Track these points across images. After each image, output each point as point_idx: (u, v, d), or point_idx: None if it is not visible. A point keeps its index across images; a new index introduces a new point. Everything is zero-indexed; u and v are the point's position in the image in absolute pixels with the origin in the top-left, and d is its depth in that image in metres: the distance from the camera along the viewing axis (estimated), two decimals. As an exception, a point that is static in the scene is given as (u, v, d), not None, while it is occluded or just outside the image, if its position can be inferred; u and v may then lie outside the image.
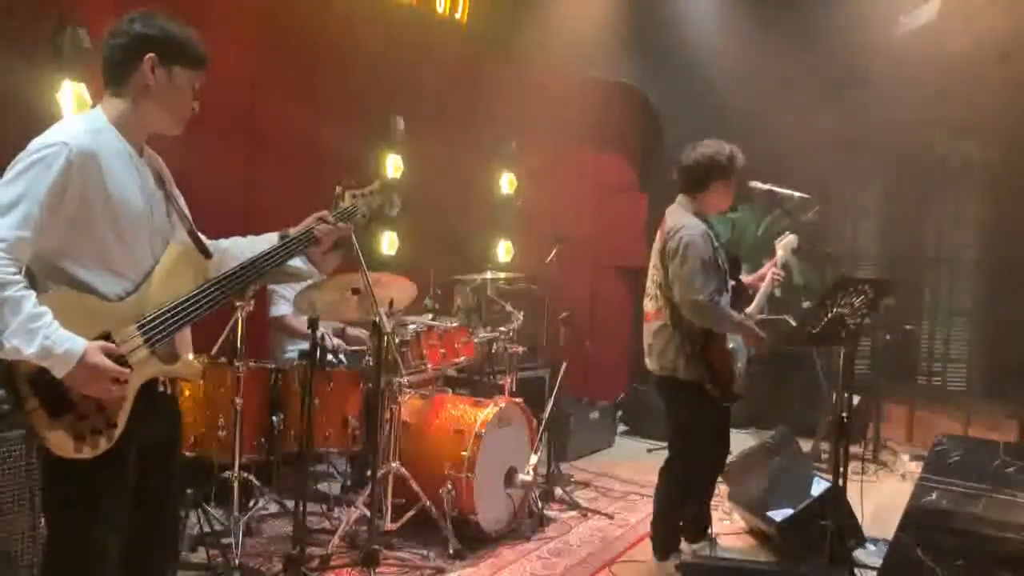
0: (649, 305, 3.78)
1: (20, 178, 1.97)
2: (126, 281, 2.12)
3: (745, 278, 3.96)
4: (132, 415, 2.07)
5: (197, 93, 2.23)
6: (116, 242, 2.09)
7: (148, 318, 2.10)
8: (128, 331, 2.07)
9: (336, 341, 4.73)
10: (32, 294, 1.93)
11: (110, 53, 2.17)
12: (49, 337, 1.90)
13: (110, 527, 2.08)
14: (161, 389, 2.20)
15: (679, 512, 3.83)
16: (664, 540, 3.84)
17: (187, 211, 2.38)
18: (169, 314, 2.13)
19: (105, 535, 2.07)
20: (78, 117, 2.19)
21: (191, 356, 2.30)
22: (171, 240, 2.26)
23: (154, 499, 2.22)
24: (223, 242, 2.48)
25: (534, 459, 4.36)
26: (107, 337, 2.02)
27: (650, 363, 3.77)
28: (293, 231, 2.49)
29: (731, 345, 3.67)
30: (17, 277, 1.92)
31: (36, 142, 2.03)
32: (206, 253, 2.33)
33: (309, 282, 3.72)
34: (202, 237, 2.39)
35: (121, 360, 2.02)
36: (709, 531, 4.03)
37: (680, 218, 3.68)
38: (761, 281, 3.90)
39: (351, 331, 4.91)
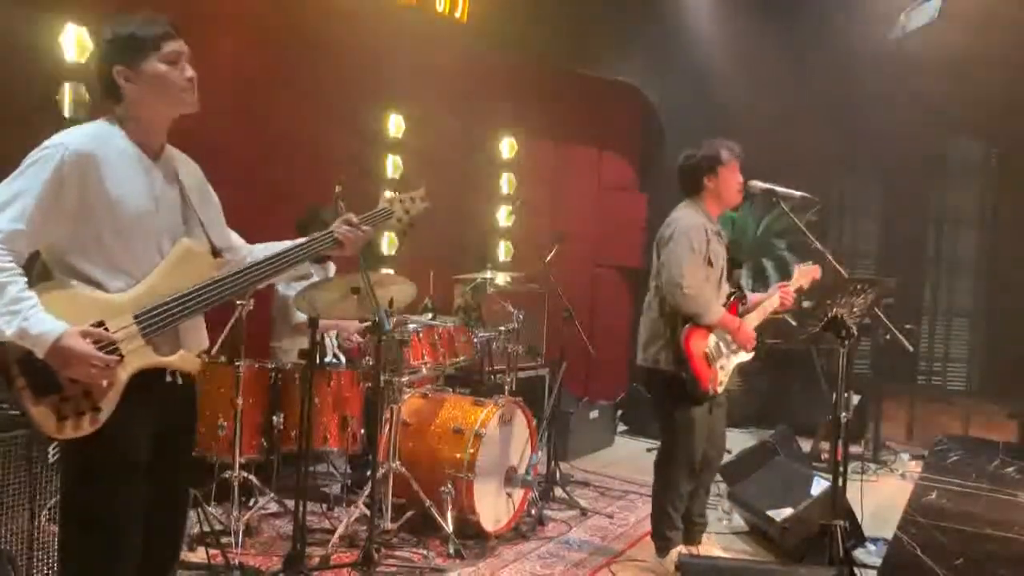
0: (647, 297, 3.88)
1: (19, 177, 2.09)
2: (128, 276, 2.17)
3: (755, 296, 4.01)
4: (136, 401, 2.13)
5: (184, 60, 2.21)
6: (116, 239, 2.15)
7: (145, 309, 2.15)
8: (123, 320, 2.12)
9: (357, 339, 4.72)
10: (21, 280, 2.02)
11: (96, 82, 2.27)
12: (28, 319, 1.98)
13: (121, 511, 2.15)
14: (169, 379, 2.24)
15: (676, 509, 3.84)
16: (662, 538, 3.85)
17: (210, 211, 2.41)
18: (166, 307, 2.17)
19: (117, 519, 2.14)
20: (91, 122, 2.25)
21: (194, 351, 2.31)
22: (181, 238, 2.29)
23: (165, 480, 2.28)
24: (248, 248, 2.50)
25: (534, 459, 4.36)
26: (101, 325, 2.08)
27: (639, 355, 3.86)
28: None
29: (712, 342, 3.70)
30: (10, 265, 2.02)
31: (39, 146, 2.13)
32: (215, 252, 2.35)
33: (309, 281, 3.72)
34: (220, 237, 2.41)
35: (112, 347, 2.08)
36: (705, 533, 4.03)
37: (679, 211, 3.82)
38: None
39: None
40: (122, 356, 2.10)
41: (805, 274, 3.97)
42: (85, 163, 2.10)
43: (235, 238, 2.53)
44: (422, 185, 2.70)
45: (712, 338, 3.73)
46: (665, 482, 3.84)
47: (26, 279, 2.05)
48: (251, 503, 4.15)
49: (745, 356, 3.90)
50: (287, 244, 2.45)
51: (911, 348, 4.42)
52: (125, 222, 2.15)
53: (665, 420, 3.85)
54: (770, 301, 3.91)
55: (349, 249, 2.47)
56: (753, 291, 4.43)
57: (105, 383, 2.06)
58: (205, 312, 2.27)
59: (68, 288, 2.11)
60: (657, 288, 3.81)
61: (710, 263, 3.73)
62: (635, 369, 7.45)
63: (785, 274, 6.71)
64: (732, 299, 3.87)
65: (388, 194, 2.65)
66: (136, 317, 2.13)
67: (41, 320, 1.99)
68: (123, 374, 2.11)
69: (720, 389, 3.78)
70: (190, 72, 2.22)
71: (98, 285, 2.13)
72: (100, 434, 2.09)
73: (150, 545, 2.26)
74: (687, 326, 3.66)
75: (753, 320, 3.85)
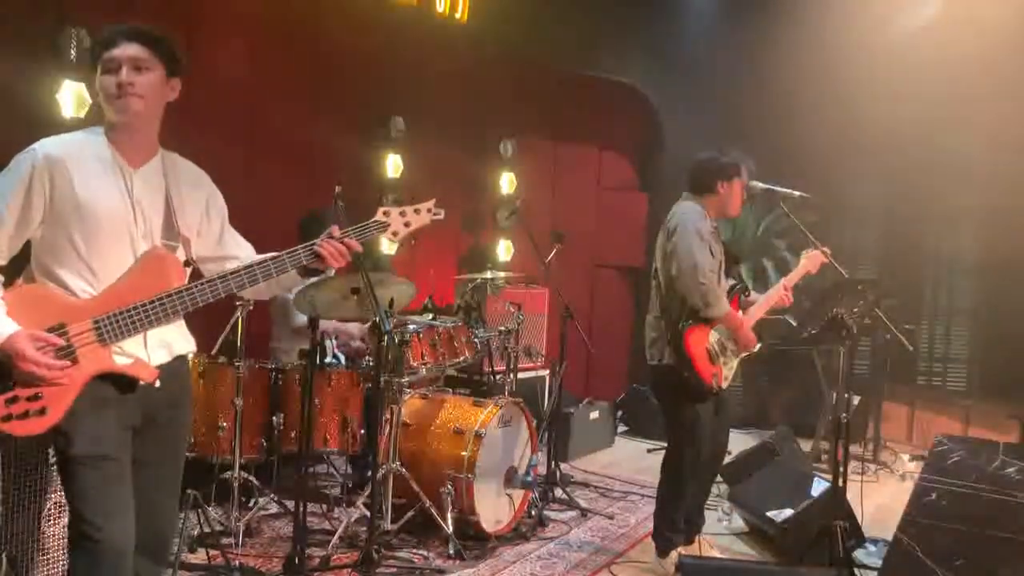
0: (651, 296, 3.88)
1: None
2: (97, 280, 2.22)
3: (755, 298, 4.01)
4: (99, 401, 2.18)
5: (125, 66, 2.19)
6: (85, 241, 2.20)
7: (105, 315, 2.18)
8: (83, 325, 2.16)
9: (357, 344, 4.73)
10: None
11: None
12: None
13: (94, 506, 2.19)
14: (142, 383, 2.25)
15: (678, 509, 3.84)
16: (664, 538, 3.85)
17: (204, 220, 2.42)
18: (126, 314, 2.19)
19: (91, 514, 2.18)
20: (79, 130, 2.31)
21: (162, 358, 2.31)
22: (155, 244, 2.31)
23: (148, 481, 2.32)
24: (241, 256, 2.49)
25: (534, 459, 4.36)
26: (62, 327, 2.13)
27: (647, 355, 3.85)
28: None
29: (714, 339, 3.70)
30: None
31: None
32: (189, 262, 2.36)
33: (309, 281, 3.71)
34: (211, 247, 2.43)
35: (68, 351, 2.12)
36: (701, 535, 4.03)
37: (681, 204, 3.81)
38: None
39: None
40: (76, 360, 2.13)
41: (813, 259, 3.96)
42: (54, 166, 2.17)
43: (241, 248, 2.51)
44: (431, 193, 2.58)
45: (713, 334, 3.72)
46: (671, 483, 3.84)
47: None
48: (251, 504, 4.15)
49: (751, 347, 3.88)
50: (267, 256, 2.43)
51: (911, 348, 4.42)
52: (93, 224, 2.20)
53: (671, 418, 3.85)
54: (773, 291, 3.92)
55: (332, 263, 2.36)
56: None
57: (54, 385, 2.10)
58: (171, 320, 2.26)
59: (38, 290, 2.20)
60: (657, 286, 3.81)
61: (715, 257, 3.73)
62: (635, 369, 7.51)
63: (785, 274, 6.70)
64: (734, 292, 3.86)
65: (391, 208, 2.58)
66: (95, 322, 2.16)
67: None
68: (78, 377, 2.15)
69: (725, 384, 3.78)
70: (121, 77, 2.18)
71: (68, 288, 2.19)
72: (61, 431, 2.16)
73: (146, 546, 2.30)
74: (687, 325, 3.66)
75: (756, 312, 3.86)
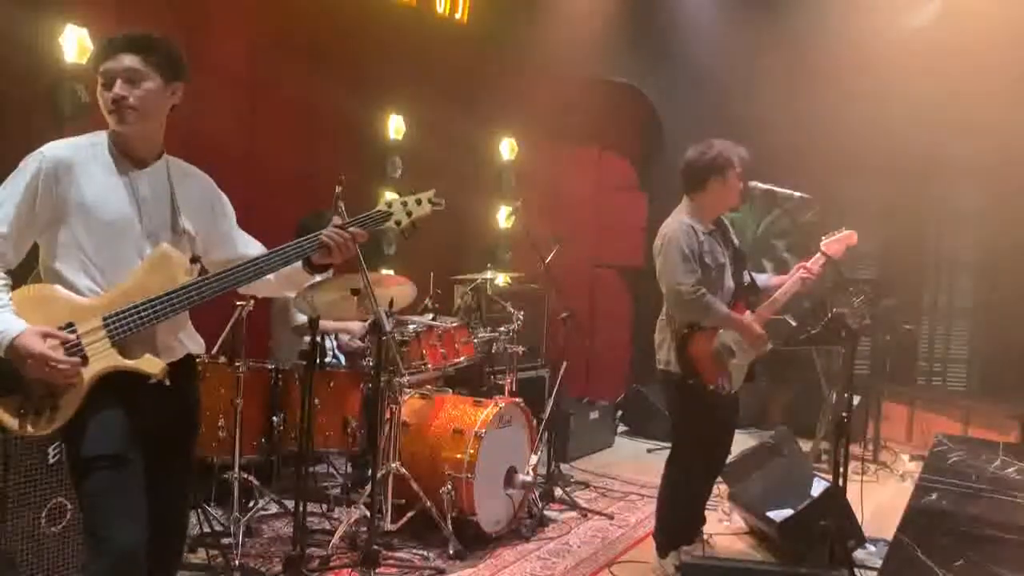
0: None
1: (6, 185, 2.20)
2: (104, 279, 2.23)
3: (775, 278, 3.94)
4: (109, 400, 2.17)
5: (118, 79, 2.21)
6: (92, 241, 2.21)
7: (114, 313, 2.18)
8: (92, 323, 2.16)
9: (358, 343, 4.73)
10: None
11: None
12: None
13: (103, 503, 2.17)
14: (153, 381, 2.24)
15: (679, 509, 3.83)
16: (664, 537, 3.85)
17: (209, 222, 2.43)
18: (135, 310, 2.19)
19: (100, 511, 2.16)
20: (86, 133, 2.32)
21: (167, 357, 2.30)
22: (161, 244, 2.31)
23: (160, 481, 2.30)
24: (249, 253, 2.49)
25: (534, 459, 4.36)
26: (71, 327, 2.14)
27: (656, 357, 3.84)
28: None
29: (722, 340, 3.68)
30: None
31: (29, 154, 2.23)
32: (194, 259, 2.37)
33: (309, 282, 3.71)
34: (219, 248, 2.44)
35: (76, 349, 2.13)
36: (703, 533, 4.03)
37: (670, 218, 3.77)
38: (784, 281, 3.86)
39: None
40: (85, 357, 2.13)
41: (839, 241, 3.78)
42: (62, 169, 2.19)
43: (252, 249, 2.51)
44: (431, 188, 2.60)
45: (720, 338, 3.68)
46: (673, 482, 3.84)
47: (6, 281, 2.15)
48: (251, 504, 4.15)
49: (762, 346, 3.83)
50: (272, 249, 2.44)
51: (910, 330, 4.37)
52: (101, 225, 2.21)
53: (676, 420, 3.84)
54: (791, 284, 3.78)
55: (338, 254, 2.38)
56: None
57: (65, 383, 2.10)
58: (177, 315, 2.26)
59: (45, 290, 2.20)
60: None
61: (706, 263, 3.68)
62: (635, 369, 7.51)
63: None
64: (742, 294, 3.79)
65: (390, 195, 2.61)
66: (104, 320, 2.17)
67: (1, 320, 2.06)
68: (87, 375, 2.14)
69: (735, 388, 3.75)
70: (115, 91, 2.21)
71: (75, 288, 2.19)
72: (72, 430, 2.16)
73: (152, 544, 2.26)
74: (692, 331, 3.64)
75: (766, 311, 3.77)
